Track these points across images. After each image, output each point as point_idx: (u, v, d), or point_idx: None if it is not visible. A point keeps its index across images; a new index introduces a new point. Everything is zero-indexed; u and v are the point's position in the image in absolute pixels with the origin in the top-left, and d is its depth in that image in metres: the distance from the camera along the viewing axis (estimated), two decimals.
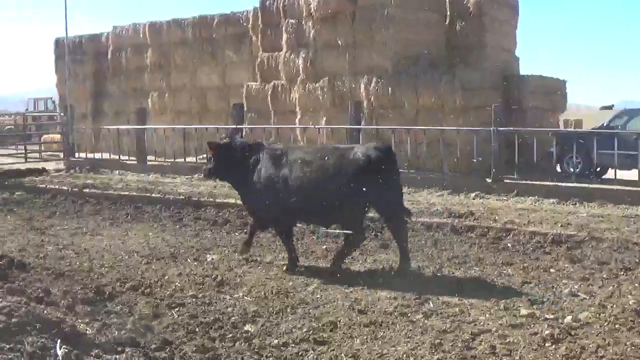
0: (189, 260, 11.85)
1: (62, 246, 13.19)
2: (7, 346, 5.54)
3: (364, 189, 10.51)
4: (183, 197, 17.85)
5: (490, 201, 17.08)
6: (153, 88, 33.54)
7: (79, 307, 8.43)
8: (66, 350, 5.77)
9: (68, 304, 8.28)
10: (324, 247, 12.75)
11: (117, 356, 6.41)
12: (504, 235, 13.37)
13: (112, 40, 35.60)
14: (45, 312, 6.70)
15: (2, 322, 5.97)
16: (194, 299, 9.42)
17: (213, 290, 9.94)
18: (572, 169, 21.37)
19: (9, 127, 43.83)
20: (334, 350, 7.63)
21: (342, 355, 7.47)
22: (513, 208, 16.05)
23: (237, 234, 14.08)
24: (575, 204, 16.58)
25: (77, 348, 6.23)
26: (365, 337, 8.00)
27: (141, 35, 33.99)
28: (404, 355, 7.39)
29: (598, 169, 21.29)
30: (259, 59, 28.02)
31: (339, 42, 24.98)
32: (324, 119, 24.84)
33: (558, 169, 22.12)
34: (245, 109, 24.50)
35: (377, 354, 7.49)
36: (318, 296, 9.67)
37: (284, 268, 11.19)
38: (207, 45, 31.91)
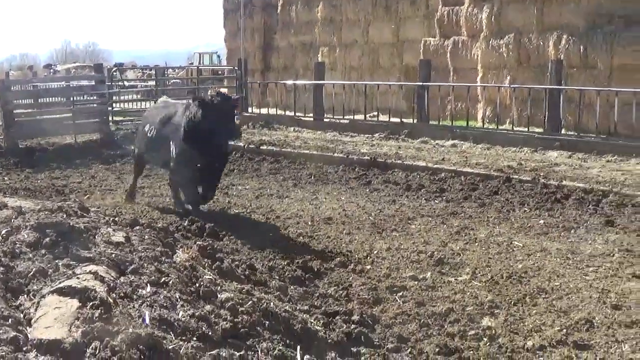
0: (394, 232, 10.61)
1: (250, 210, 12.23)
2: (237, 354, 4.40)
3: None
4: (368, 157, 16.63)
5: None
6: (323, 43, 32.45)
7: (290, 288, 7.33)
8: None
9: (279, 285, 7.19)
10: (542, 221, 11.29)
11: None
12: None
13: None
14: (272, 304, 5.55)
15: (228, 321, 4.86)
16: (415, 282, 8.17)
17: (432, 270, 8.67)
18: None
19: (174, 81, 43.87)
20: (603, 359, 6.24)
21: None
22: None
23: (437, 201, 12.76)
24: None
25: (311, 351, 5.13)
26: (634, 343, 6.55)
27: None
28: None
29: None
30: (438, 13, 26.49)
31: None
32: (508, 77, 23.24)
33: None
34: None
35: None
36: (557, 284, 8.22)
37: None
38: None
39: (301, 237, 10.22)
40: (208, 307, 5.07)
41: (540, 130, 18.34)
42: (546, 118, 18.26)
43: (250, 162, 17.68)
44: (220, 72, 40.86)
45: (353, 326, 6.25)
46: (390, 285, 8.03)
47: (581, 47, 20.69)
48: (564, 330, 6.85)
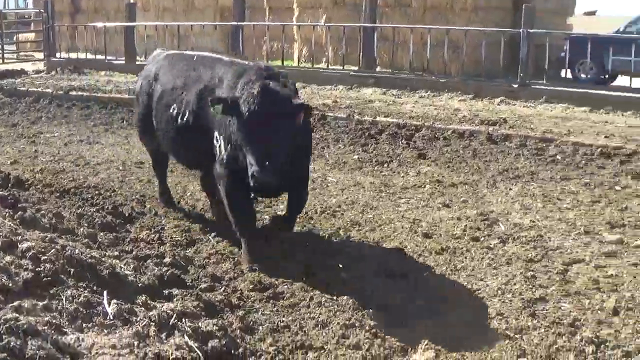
0: None
1: (58, 157, 11.70)
2: (41, 304, 4.18)
3: None
4: None
5: (518, 108, 15.54)
6: None
7: (100, 235, 7.06)
8: (117, 307, 4.42)
9: (88, 232, 6.91)
10: (356, 157, 11.45)
11: (168, 304, 5.06)
12: (546, 145, 11.91)
13: None
14: (77, 251, 5.30)
15: (30, 270, 4.60)
16: (228, 221, 8.06)
17: None
18: (584, 75, 20.00)
19: None
20: (415, 285, 6.37)
21: (429, 294, 6.17)
22: (545, 116, 14.49)
23: None
24: (609, 112, 15.00)
25: (121, 295, 4.93)
26: (443, 268, 6.77)
27: None
28: (499, 292, 6.15)
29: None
30: None
31: None
32: (324, 17, 23.28)
33: (564, 74, 20.66)
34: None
35: (466, 290, 6.23)
36: (370, 216, 8.36)
37: None
38: None
39: (111, 183, 9.89)
40: (8, 258, 4.79)
41: (356, 68, 18.58)
42: (361, 56, 18.51)
43: (59, 109, 16.76)
44: (26, 16, 38.99)
45: (165, 268, 6.08)
46: (203, 226, 7.93)
47: None
48: (377, 261, 6.95)
